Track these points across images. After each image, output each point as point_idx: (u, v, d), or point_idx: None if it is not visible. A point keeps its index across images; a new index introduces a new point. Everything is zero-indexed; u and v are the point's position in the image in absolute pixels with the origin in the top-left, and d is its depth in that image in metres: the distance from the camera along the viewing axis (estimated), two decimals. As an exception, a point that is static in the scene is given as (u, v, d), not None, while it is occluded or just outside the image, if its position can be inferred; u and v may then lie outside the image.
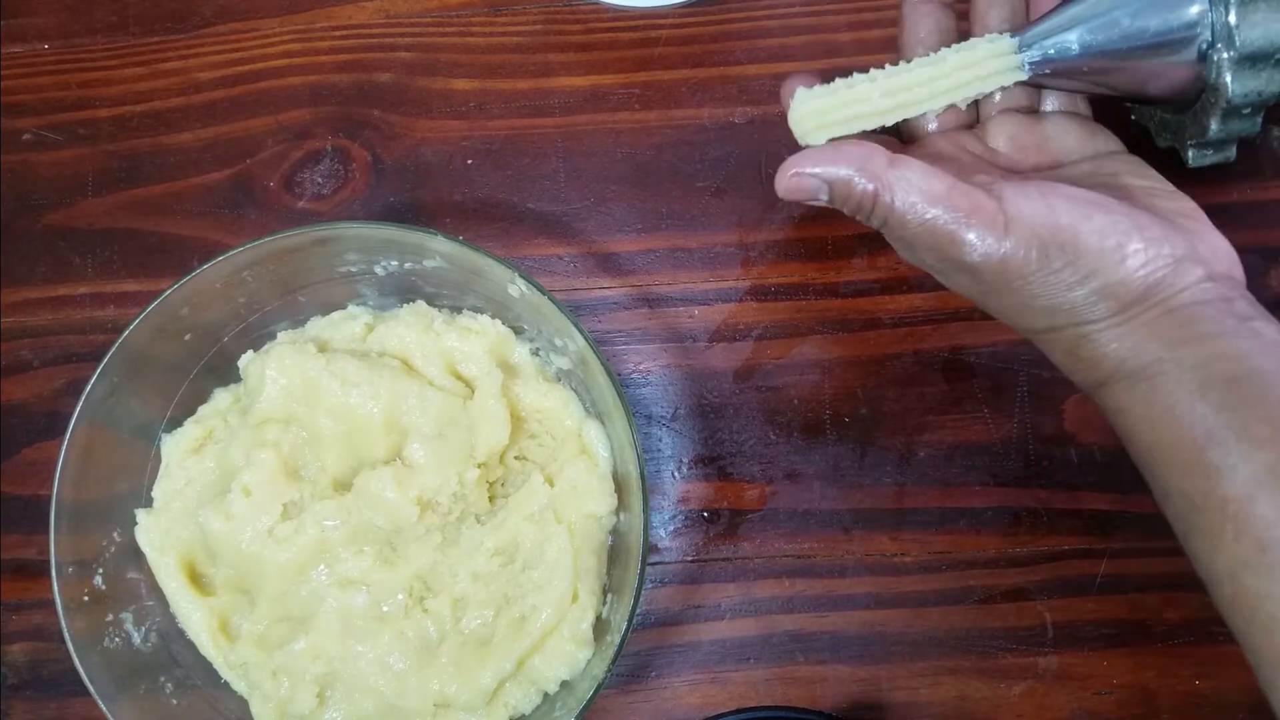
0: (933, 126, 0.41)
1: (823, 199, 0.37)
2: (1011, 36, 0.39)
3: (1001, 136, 0.40)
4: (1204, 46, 0.38)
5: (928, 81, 0.38)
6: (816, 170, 0.36)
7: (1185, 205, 0.38)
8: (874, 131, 0.39)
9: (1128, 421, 0.36)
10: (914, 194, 0.35)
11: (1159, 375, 0.35)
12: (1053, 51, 0.38)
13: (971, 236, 0.35)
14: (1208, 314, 0.35)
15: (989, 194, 0.35)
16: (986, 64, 0.38)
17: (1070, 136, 0.40)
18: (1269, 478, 0.32)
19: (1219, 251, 0.36)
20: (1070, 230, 0.35)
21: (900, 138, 0.42)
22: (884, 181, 0.36)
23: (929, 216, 0.35)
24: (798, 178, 0.37)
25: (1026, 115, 0.41)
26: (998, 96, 0.41)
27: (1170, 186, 0.38)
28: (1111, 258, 0.35)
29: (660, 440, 0.48)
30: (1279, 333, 0.35)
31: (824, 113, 0.38)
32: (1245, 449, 0.32)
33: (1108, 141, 0.40)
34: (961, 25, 0.41)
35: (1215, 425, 0.33)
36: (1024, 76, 0.38)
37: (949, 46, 0.39)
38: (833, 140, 0.38)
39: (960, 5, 0.41)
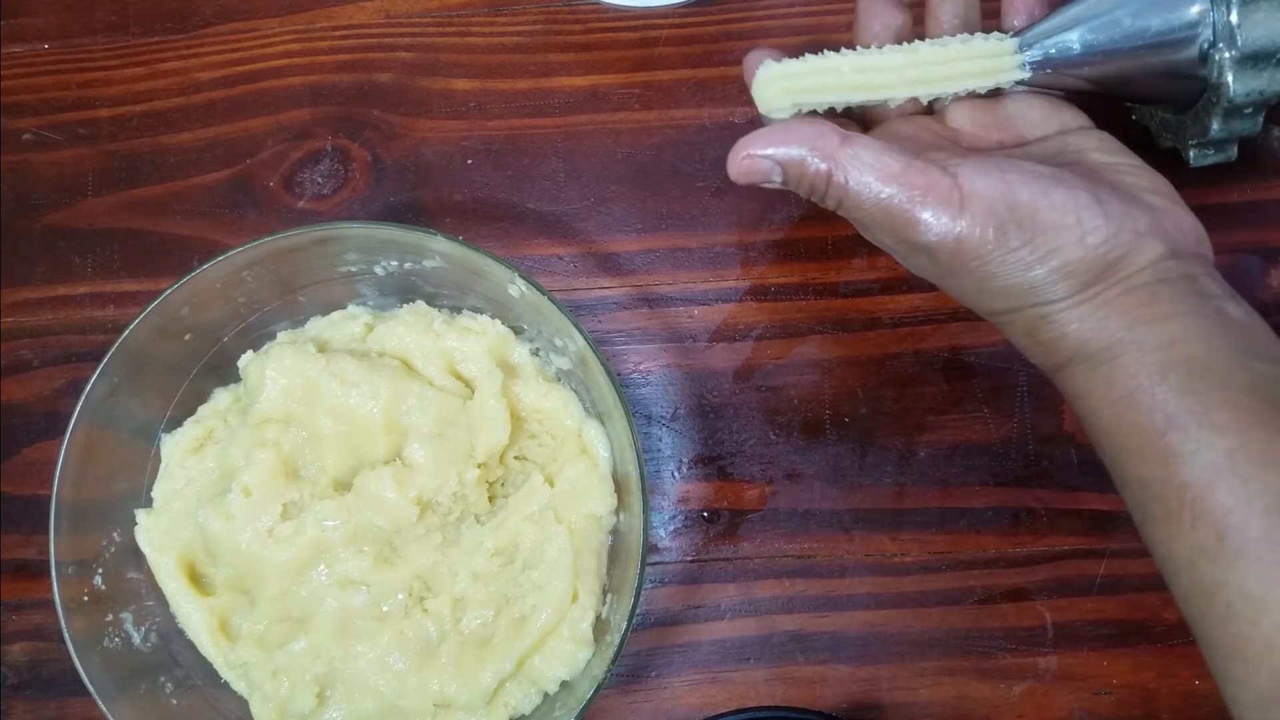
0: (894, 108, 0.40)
1: (776, 180, 0.36)
2: (1012, 36, 0.39)
3: (962, 116, 0.39)
4: (1205, 46, 0.37)
5: (900, 68, 0.38)
6: (768, 151, 0.35)
7: (1154, 181, 0.37)
8: (839, 115, 0.39)
9: (1088, 405, 0.35)
10: (868, 172, 0.34)
11: (1120, 357, 0.34)
12: (1054, 51, 0.38)
13: (926, 215, 0.34)
14: (1170, 293, 0.34)
15: (944, 171, 0.34)
16: (986, 61, 0.38)
17: (1034, 112, 0.39)
18: (1229, 464, 0.31)
19: (1185, 228, 0.35)
20: (1028, 206, 0.34)
21: (861, 122, 0.41)
22: (837, 160, 0.35)
23: (883, 195, 0.34)
24: (749, 160, 0.36)
25: (987, 96, 0.40)
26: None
27: (1139, 162, 0.37)
28: (1071, 234, 0.34)
29: (660, 440, 0.48)
30: (1245, 313, 0.34)
31: (790, 78, 0.37)
32: (1206, 434, 0.32)
33: (1075, 117, 0.39)
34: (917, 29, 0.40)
35: (1176, 410, 0.32)
36: (1024, 76, 0.38)
37: (953, 37, 0.39)
38: (786, 121, 0.37)
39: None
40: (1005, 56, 0.38)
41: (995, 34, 0.39)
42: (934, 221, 0.34)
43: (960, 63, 0.38)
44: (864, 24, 0.40)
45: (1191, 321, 0.33)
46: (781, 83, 0.37)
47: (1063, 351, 0.35)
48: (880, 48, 0.38)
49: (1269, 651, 0.30)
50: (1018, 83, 0.39)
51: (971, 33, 0.40)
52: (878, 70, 0.37)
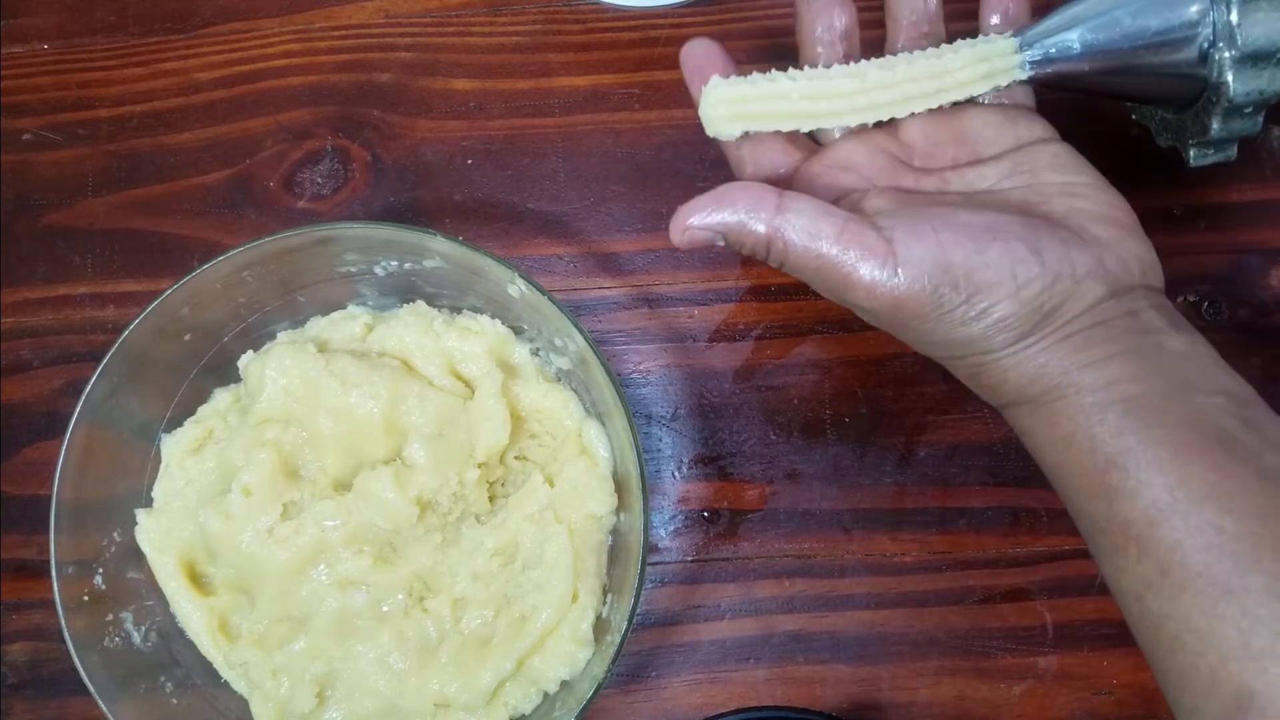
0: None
1: (720, 244, 0.36)
2: (1013, 35, 0.38)
3: (916, 132, 0.39)
4: (1205, 45, 0.37)
5: (849, 94, 0.37)
6: (708, 220, 0.35)
7: (1106, 204, 0.36)
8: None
9: (1034, 444, 0.36)
10: (804, 237, 0.34)
11: (1059, 400, 0.34)
12: (1054, 50, 0.38)
13: (862, 277, 0.34)
14: (1107, 334, 0.34)
15: (879, 235, 0.34)
16: (985, 64, 0.38)
17: (989, 128, 0.39)
18: (1169, 501, 0.32)
19: (1129, 261, 0.35)
20: (963, 267, 0.34)
21: (813, 137, 0.41)
22: (774, 225, 0.35)
23: (821, 258, 0.34)
24: (690, 232, 0.36)
25: (942, 110, 0.39)
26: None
27: (1094, 178, 0.37)
28: (1005, 290, 0.34)
29: (660, 440, 0.48)
30: (1185, 343, 0.34)
31: (738, 103, 0.37)
32: (1145, 473, 0.32)
33: (1030, 128, 0.39)
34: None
35: (1115, 450, 0.33)
36: (1024, 76, 0.38)
37: (941, 46, 0.39)
38: (721, 189, 0.36)
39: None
40: (1005, 57, 0.38)
41: (990, 36, 0.39)
42: (870, 284, 0.34)
43: (962, 70, 0.38)
44: (805, 27, 0.39)
45: (1129, 360, 0.34)
46: (729, 108, 0.37)
47: (1005, 394, 0.36)
48: (829, 67, 0.38)
49: (1214, 685, 0.31)
50: (1018, 83, 0.39)
51: (934, 30, 0.39)
52: (827, 98, 0.37)
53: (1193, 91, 0.39)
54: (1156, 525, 0.32)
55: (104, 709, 0.40)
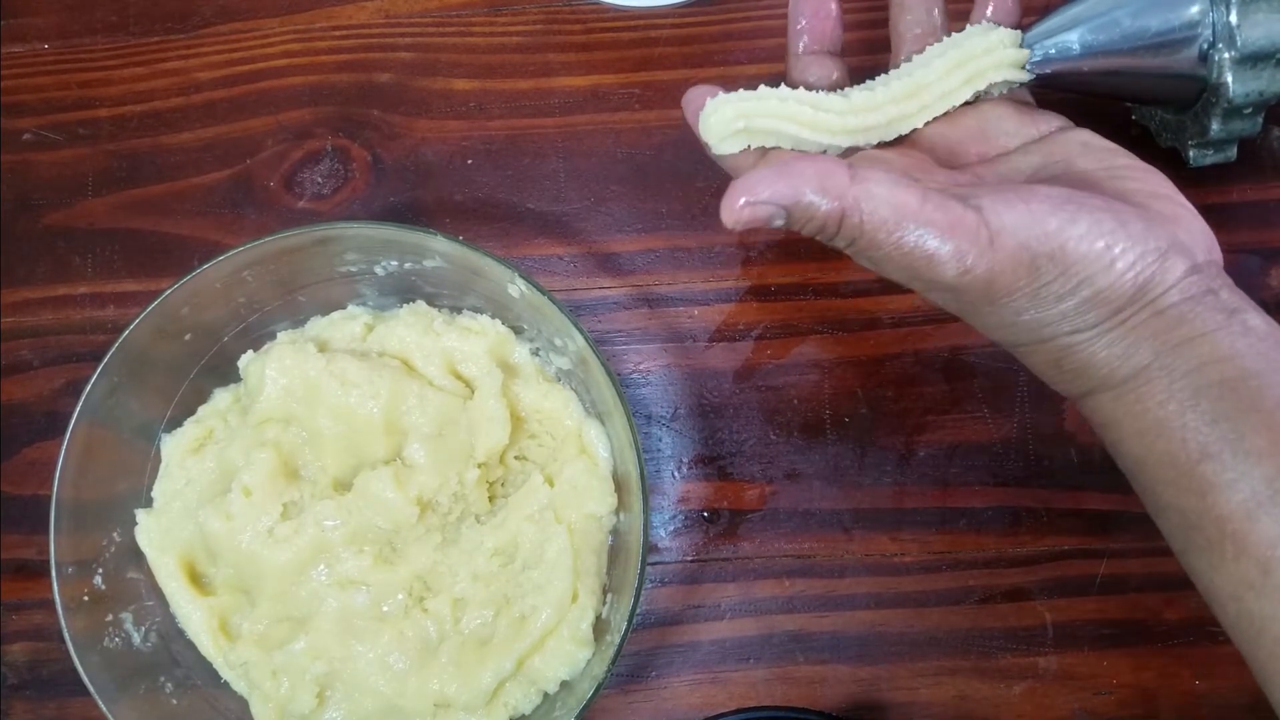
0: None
1: (779, 224, 0.33)
2: (1018, 32, 0.38)
3: (931, 135, 0.38)
4: (1205, 46, 0.37)
5: (866, 110, 0.36)
6: (768, 195, 0.32)
7: (1154, 182, 0.35)
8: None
9: (1116, 434, 0.34)
10: (884, 209, 0.31)
11: (1148, 384, 0.32)
12: (1054, 51, 0.38)
13: (950, 254, 0.31)
14: (1196, 311, 0.32)
15: (966, 205, 0.32)
16: (984, 60, 0.37)
17: (1006, 121, 0.37)
18: (1269, 493, 0.30)
19: (1197, 236, 0.34)
20: (1057, 239, 0.32)
21: None
22: (848, 198, 0.32)
23: (900, 233, 0.32)
24: (750, 207, 0.32)
25: (953, 111, 0.38)
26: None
27: (1133, 160, 0.36)
28: (1100, 261, 0.32)
29: (660, 440, 0.48)
30: (1266, 323, 0.32)
31: (747, 116, 0.36)
32: (1242, 463, 0.30)
33: (1047, 119, 0.38)
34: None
35: (1209, 438, 0.31)
36: (1027, 77, 0.38)
37: (937, 45, 0.38)
38: (784, 158, 0.34)
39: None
40: (1004, 50, 0.38)
41: (985, 25, 0.38)
42: (960, 261, 0.32)
43: (958, 68, 0.37)
44: (795, 77, 0.39)
45: (1219, 340, 0.32)
46: (736, 122, 0.36)
47: (1090, 379, 0.34)
48: (843, 92, 0.37)
49: None
50: (1020, 84, 0.39)
51: (938, 40, 0.39)
52: (830, 110, 0.36)
53: (1192, 92, 0.39)
54: (1255, 520, 0.30)
55: (104, 709, 0.40)
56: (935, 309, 0.48)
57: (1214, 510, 0.31)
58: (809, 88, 0.38)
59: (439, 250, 0.43)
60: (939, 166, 0.37)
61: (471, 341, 0.45)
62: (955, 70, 0.37)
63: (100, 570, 0.43)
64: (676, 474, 0.48)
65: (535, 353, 0.47)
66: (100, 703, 0.40)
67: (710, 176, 0.50)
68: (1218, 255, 0.34)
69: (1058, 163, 0.36)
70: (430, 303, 0.47)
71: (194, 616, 0.44)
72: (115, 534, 0.44)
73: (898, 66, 0.39)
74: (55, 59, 0.53)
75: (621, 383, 0.46)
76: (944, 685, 0.46)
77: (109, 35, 0.53)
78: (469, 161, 0.51)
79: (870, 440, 0.48)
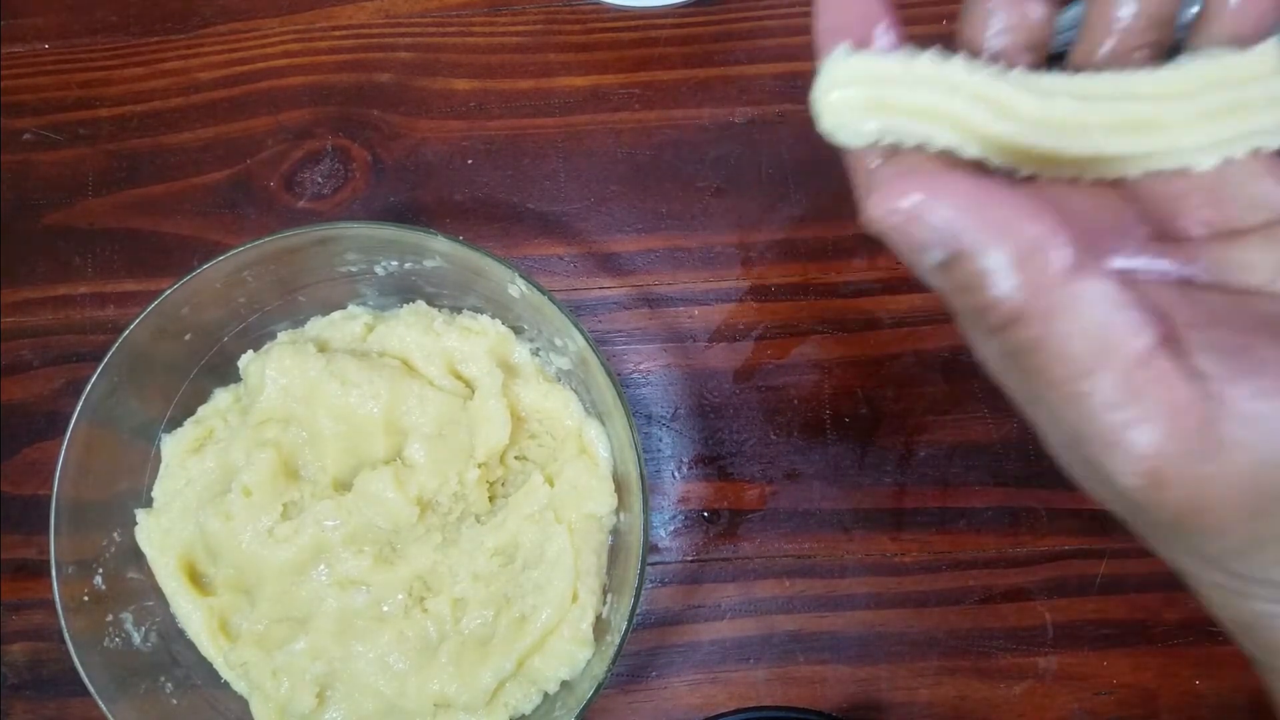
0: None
1: (928, 259, 0.21)
2: None
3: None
4: None
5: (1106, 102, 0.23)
6: (949, 216, 0.20)
7: None
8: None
9: None
10: (1084, 341, 0.20)
11: None
12: None
13: (1143, 451, 0.20)
14: None
15: (1191, 383, 0.20)
16: (1251, 91, 0.23)
17: (1256, 181, 0.24)
18: None
19: None
20: None
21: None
22: (1049, 298, 0.20)
23: (1087, 390, 0.20)
24: (914, 220, 0.20)
25: None
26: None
27: None
28: None
29: (660, 440, 0.48)
30: None
31: (875, 84, 0.23)
32: None
33: None
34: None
35: None
36: None
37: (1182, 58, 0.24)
38: (901, 158, 0.24)
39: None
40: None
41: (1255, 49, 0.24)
42: (1155, 471, 0.20)
43: (1207, 95, 0.23)
44: (973, 23, 0.25)
45: None
46: (860, 90, 0.23)
47: None
48: (1043, 71, 0.24)
49: None
50: None
51: (1168, 42, 0.25)
52: (1014, 114, 0.23)
53: None
54: None
55: (104, 709, 0.40)
56: (935, 309, 0.48)
57: None
58: (991, 58, 0.25)
59: (439, 250, 0.43)
60: (1144, 222, 0.24)
61: (472, 341, 0.45)
62: (1207, 91, 0.24)
63: (100, 570, 0.43)
64: (676, 474, 0.48)
65: (535, 353, 0.47)
66: (100, 703, 0.40)
67: (710, 176, 0.50)
68: None
69: None
70: (430, 303, 0.47)
71: (194, 616, 0.44)
72: (115, 534, 0.44)
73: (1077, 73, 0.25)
74: (55, 59, 0.53)
75: (621, 383, 0.46)
76: (944, 685, 0.46)
77: (109, 35, 0.53)
78: (469, 161, 0.51)
79: (870, 440, 0.48)
